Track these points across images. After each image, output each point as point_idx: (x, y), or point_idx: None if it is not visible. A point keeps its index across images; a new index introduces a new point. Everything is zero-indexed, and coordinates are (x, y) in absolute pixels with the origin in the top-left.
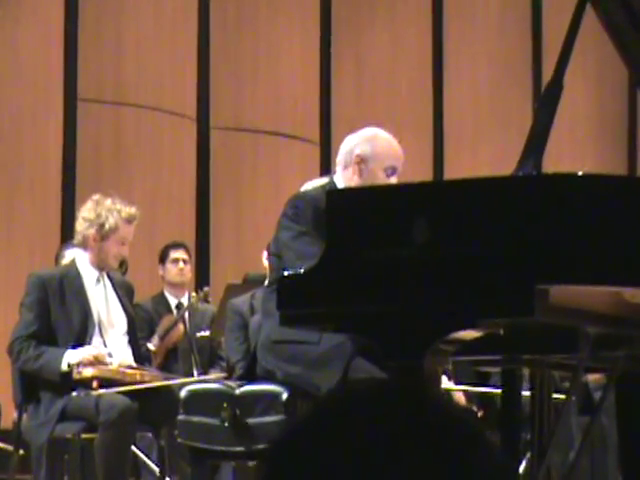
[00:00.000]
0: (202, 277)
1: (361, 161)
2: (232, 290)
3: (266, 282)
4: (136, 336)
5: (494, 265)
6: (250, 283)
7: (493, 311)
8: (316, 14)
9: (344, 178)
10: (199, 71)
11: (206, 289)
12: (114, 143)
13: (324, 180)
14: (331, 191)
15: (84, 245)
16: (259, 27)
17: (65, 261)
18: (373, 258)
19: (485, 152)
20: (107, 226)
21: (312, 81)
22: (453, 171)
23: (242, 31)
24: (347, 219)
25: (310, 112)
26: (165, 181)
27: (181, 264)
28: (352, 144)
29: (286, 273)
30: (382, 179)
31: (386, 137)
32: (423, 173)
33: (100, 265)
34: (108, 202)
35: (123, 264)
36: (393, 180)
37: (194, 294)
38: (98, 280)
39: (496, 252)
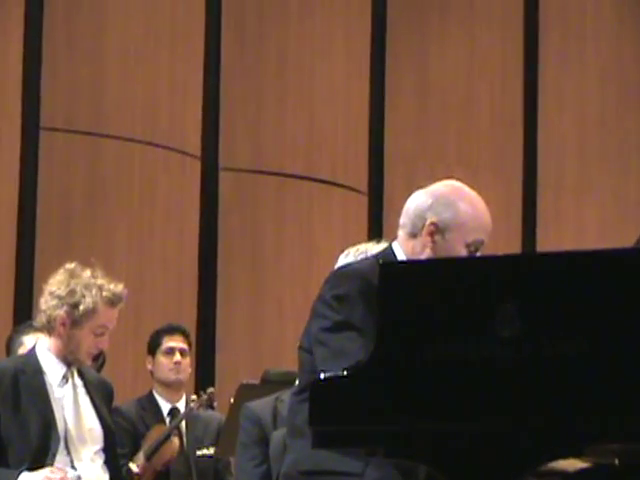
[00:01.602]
0: (205, 374)
1: (437, 231)
2: (246, 392)
3: (295, 387)
4: (115, 454)
5: (609, 369)
6: (271, 383)
7: (607, 433)
8: (366, 17)
9: (409, 249)
10: (205, 93)
11: (210, 390)
12: (88, 187)
13: (379, 247)
14: (387, 264)
15: (49, 330)
16: (287, 37)
17: (22, 350)
18: (442, 357)
19: (594, 207)
20: (82, 308)
21: (359, 108)
22: (550, 234)
23: (264, 40)
24: (408, 303)
25: (356, 150)
26: (157, 239)
27: (177, 356)
28: (424, 206)
29: (322, 376)
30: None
31: (473, 199)
32: (509, 238)
33: (68, 359)
34: (87, 274)
35: (99, 357)
36: None
37: (194, 397)
38: (65, 378)
39: (612, 351)
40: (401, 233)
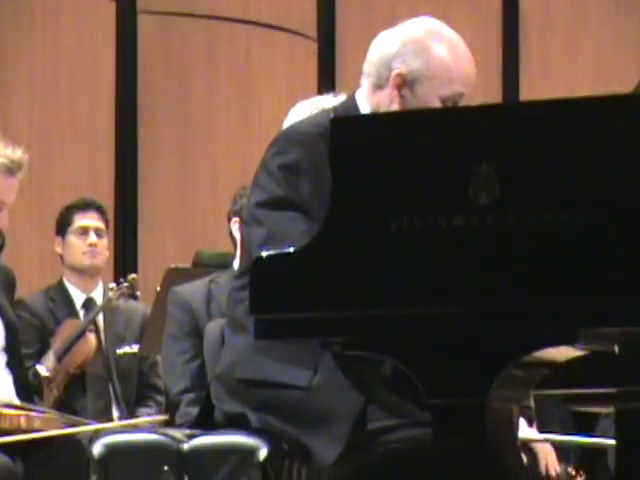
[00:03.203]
0: (126, 257)
1: (405, 84)
2: (175, 278)
3: (235, 267)
4: (19, 355)
5: (608, 239)
6: (204, 267)
7: (603, 316)
8: None
9: (374, 102)
10: None
11: (132, 277)
12: None
13: (337, 100)
14: (339, 119)
15: None
16: None
17: None
18: (409, 229)
19: (589, 48)
20: None
21: None
22: (537, 81)
23: None
24: (365, 166)
25: None
26: (64, 96)
27: (92, 236)
28: (391, 52)
29: (264, 254)
30: None
31: (451, 43)
32: (487, 87)
33: None
34: None
35: None
36: None
37: (113, 285)
38: None
39: (612, 217)
40: (365, 83)
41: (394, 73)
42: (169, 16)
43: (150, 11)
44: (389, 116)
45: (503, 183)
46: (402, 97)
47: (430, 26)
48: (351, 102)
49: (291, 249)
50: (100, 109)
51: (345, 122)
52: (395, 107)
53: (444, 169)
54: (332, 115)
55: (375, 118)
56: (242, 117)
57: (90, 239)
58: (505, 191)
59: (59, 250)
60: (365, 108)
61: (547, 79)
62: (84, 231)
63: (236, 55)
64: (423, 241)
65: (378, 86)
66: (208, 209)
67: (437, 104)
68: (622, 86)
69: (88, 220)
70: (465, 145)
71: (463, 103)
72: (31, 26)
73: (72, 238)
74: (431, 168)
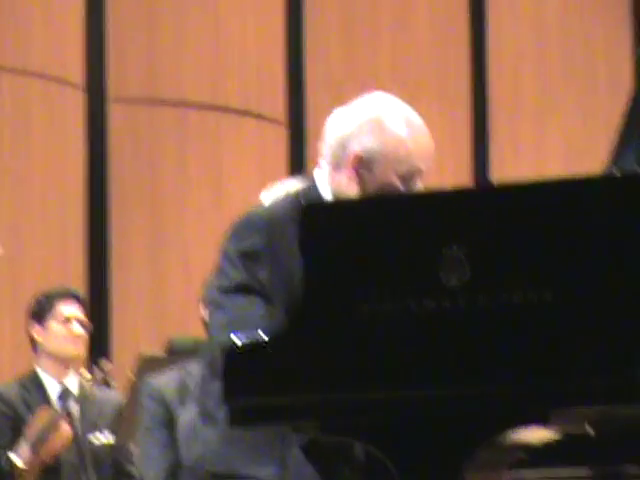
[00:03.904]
0: (99, 346)
1: (361, 163)
2: (148, 365)
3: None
4: None
5: (578, 319)
6: (178, 355)
7: (578, 395)
8: None
9: (334, 183)
10: (88, 9)
11: (108, 367)
12: None
13: (298, 184)
14: (310, 207)
15: None
16: None
17: None
18: (380, 313)
19: (557, 131)
20: None
21: (273, 23)
22: (506, 164)
23: None
24: (336, 252)
25: (271, 74)
26: (35, 186)
27: (77, 328)
28: (345, 132)
29: (238, 342)
30: (397, 189)
31: (405, 118)
32: (457, 170)
33: None
34: None
35: None
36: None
37: (86, 374)
38: None
39: (581, 299)
40: (323, 164)
41: (351, 155)
42: (138, 102)
43: (119, 97)
44: (360, 202)
45: (474, 265)
46: (360, 177)
47: (383, 102)
48: (312, 184)
49: (264, 336)
50: (70, 195)
51: (316, 208)
52: (354, 187)
53: (415, 253)
54: (301, 201)
55: (346, 204)
56: (213, 203)
57: (76, 328)
58: (476, 273)
59: (37, 336)
60: (325, 190)
61: (516, 162)
62: (68, 320)
63: (206, 140)
64: (395, 324)
65: (336, 167)
66: (181, 294)
67: (395, 181)
68: (591, 168)
69: (72, 309)
70: (436, 229)
71: (424, 180)
72: (0, 115)
73: (56, 326)
74: (403, 252)
